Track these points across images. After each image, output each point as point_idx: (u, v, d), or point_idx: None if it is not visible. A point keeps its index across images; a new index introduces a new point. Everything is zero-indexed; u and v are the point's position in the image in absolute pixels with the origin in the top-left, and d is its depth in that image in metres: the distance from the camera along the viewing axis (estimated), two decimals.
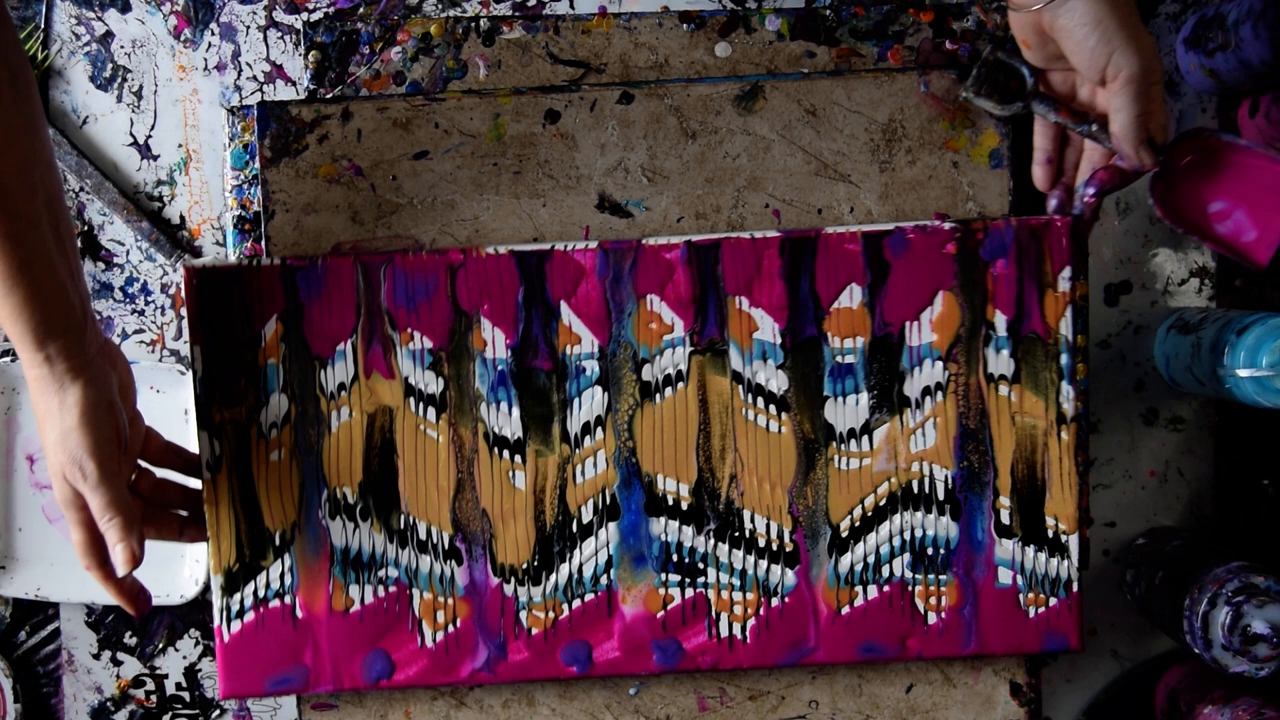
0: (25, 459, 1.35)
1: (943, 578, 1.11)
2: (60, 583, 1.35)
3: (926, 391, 1.10)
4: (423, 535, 1.10)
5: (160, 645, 1.39)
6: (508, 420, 1.09)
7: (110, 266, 1.35)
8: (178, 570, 1.35)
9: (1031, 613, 1.11)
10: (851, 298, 1.09)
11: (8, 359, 1.33)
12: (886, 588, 1.11)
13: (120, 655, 1.38)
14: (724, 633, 1.11)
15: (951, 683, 1.16)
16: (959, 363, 1.09)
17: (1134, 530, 1.36)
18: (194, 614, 1.38)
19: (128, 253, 1.35)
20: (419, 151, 1.13)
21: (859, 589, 1.11)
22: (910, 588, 1.11)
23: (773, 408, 1.09)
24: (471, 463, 1.09)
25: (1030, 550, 1.10)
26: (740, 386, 1.09)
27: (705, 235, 1.09)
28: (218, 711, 1.40)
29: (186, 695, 1.39)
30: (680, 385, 1.09)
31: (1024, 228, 1.08)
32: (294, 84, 1.33)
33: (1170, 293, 1.34)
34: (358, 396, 1.09)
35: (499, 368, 1.09)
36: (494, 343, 1.09)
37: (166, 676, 1.39)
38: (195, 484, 1.11)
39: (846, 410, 1.10)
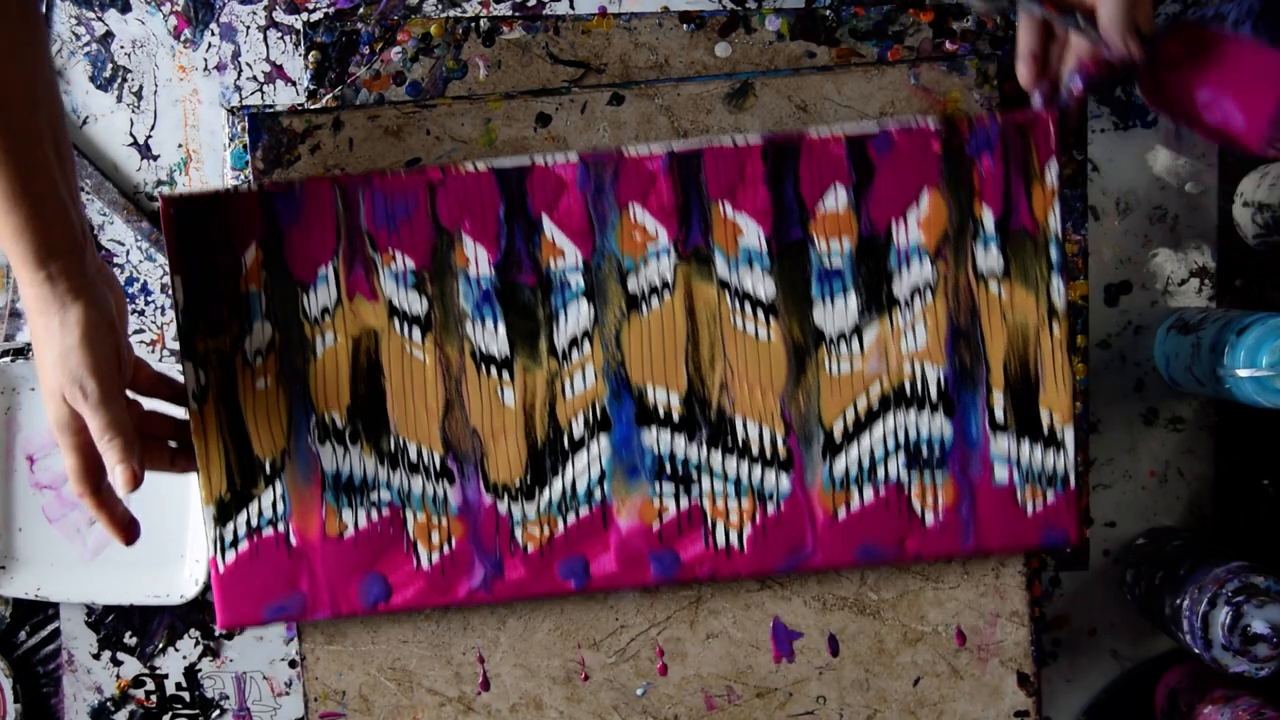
0: (25, 459, 1.35)
1: (938, 476, 1.10)
2: (60, 583, 1.35)
3: (916, 291, 1.09)
4: (413, 457, 1.09)
5: (160, 645, 1.39)
6: (494, 337, 1.08)
7: (110, 266, 1.34)
8: (178, 570, 1.34)
9: (1029, 509, 1.10)
10: (837, 200, 1.07)
11: (7, 359, 1.32)
12: (882, 489, 1.10)
13: (120, 655, 1.38)
14: (720, 542, 1.10)
15: (959, 674, 1.16)
16: (947, 261, 1.08)
17: (1134, 530, 1.36)
18: (194, 614, 1.38)
19: (128, 253, 1.34)
20: (411, 159, 1.13)
21: (854, 491, 1.10)
22: (906, 488, 1.10)
23: (761, 313, 1.08)
24: (459, 382, 1.09)
25: (1026, 445, 1.10)
26: (727, 293, 1.08)
27: (686, 144, 1.08)
28: (218, 712, 1.40)
29: (186, 695, 1.39)
30: (667, 295, 1.08)
31: (1009, 123, 1.07)
32: (294, 84, 1.32)
33: (1170, 293, 1.33)
34: (341, 320, 1.08)
35: (483, 285, 1.08)
36: (477, 260, 1.07)
37: (166, 676, 1.39)
38: (185, 414, 1.10)
39: (835, 313, 1.09)
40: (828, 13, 1.16)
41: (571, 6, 1.30)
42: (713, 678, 1.17)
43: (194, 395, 1.08)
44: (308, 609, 1.10)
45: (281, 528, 1.09)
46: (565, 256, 1.08)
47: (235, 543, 1.09)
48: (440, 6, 1.30)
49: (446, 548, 1.10)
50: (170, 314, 1.35)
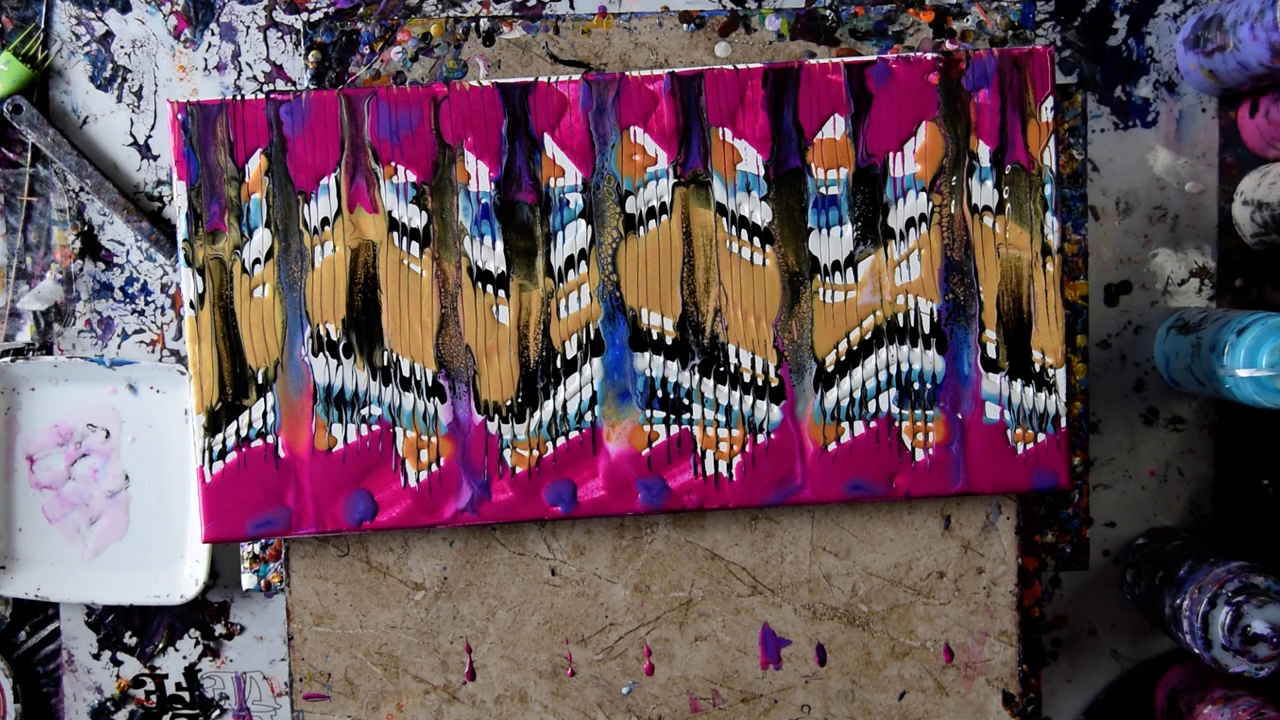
0: (25, 459, 1.36)
1: (930, 413, 1.10)
2: (60, 583, 1.35)
3: (911, 223, 1.09)
4: (406, 372, 1.09)
5: (160, 645, 1.38)
6: (491, 254, 1.09)
7: (110, 266, 1.36)
8: (178, 570, 1.35)
9: (1020, 449, 1.10)
10: (835, 128, 1.09)
11: (8, 359, 1.33)
12: (873, 423, 1.10)
13: (120, 655, 1.38)
14: (709, 470, 1.10)
15: (944, 691, 1.15)
16: (943, 194, 1.09)
17: (1134, 530, 1.36)
18: (194, 614, 1.38)
19: (128, 253, 1.36)
20: None
21: (845, 425, 1.10)
22: (897, 423, 1.10)
23: (756, 240, 1.09)
24: (455, 298, 1.09)
25: (1018, 384, 1.09)
26: (724, 219, 1.09)
27: (688, 67, 1.10)
28: (218, 712, 1.39)
29: (186, 695, 1.38)
30: (664, 218, 1.09)
31: (1006, 58, 1.08)
32: (294, 84, 1.35)
33: (1170, 293, 1.35)
34: (341, 231, 1.09)
35: (482, 201, 1.09)
36: (477, 176, 1.09)
37: (166, 676, 1.39)
38: None
39: (830, 242, 1.09)
40: (828, 13, 1.18)
41: (571, 6, 1.33)
42: (699, 680, 1.15)
43: (191, 303, 1.08)
44: (293, 524, 1.09)
45: (270, 440, 1.09)
46: (565, 176, 1.09)
47: (224, 454, 1.09)
48: (440, 6, 1.33)
49: (435, 466, 1.09)
50: (170, 314, 1.36)
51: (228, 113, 1.08)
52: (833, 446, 1.10)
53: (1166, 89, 1.34)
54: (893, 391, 1.10)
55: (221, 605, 1.39)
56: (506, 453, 1.10)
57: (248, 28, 1.35)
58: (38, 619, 1.39)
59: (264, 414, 1.09)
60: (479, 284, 1.09)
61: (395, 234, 1.09)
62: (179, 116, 1.08)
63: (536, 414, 1.09)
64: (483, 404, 1.09)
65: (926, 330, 1.09)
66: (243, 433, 1.09)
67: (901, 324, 1.09)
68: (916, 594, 1.15)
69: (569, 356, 1.09)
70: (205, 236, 1.08)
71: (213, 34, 1.36)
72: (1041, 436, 1.10)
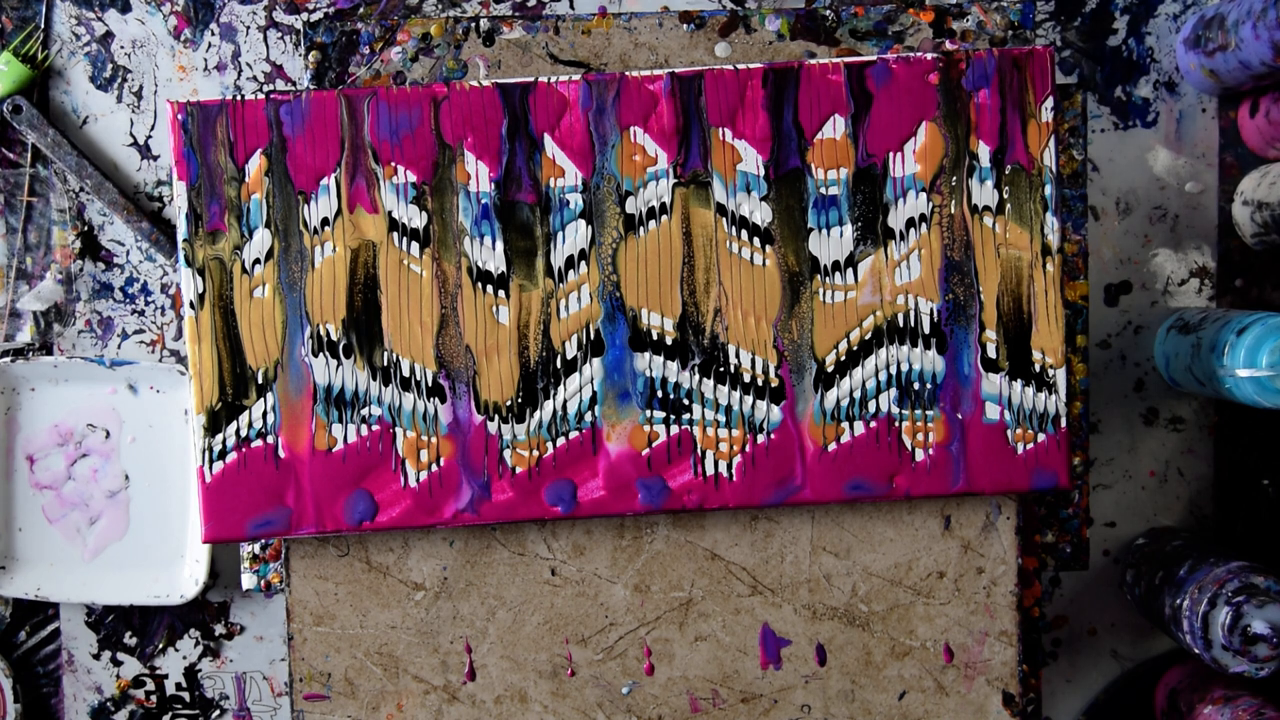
0: (25, 459, 1.36)
1: (930, 413, 1.10)
2: (60, 583, 1.36)
3: (911, 223, 1.09)
4: (406, 372, 1.09)
5: (160, 645, 1.38)
6: (491, 254, 1.09)
7: (110, 266, 1.36)
8: (178, 570, 1.35)
9: (1020, 449, 1.10)
10: (835, 128, 1.09)
11: (8, 359, 1.33)
12: (873, 423, 1.10)
13: (120, 655, 1.38)
14: (710, 470, 1.10)
15: (944, 691, 1.15)
16: (943, 194, 1.09)
17: (1134, 530, 1.36)
18: (194, 614, 1.38)
19: (128, 253, 1.36)
20: None
21: (845, 425, 1.10)
22: (897, 423, 1.10)
23: (756, 240, 1.09)
24: (455, 298, 1.09)
25: (1018, 385, 1.09)
26: (724, 219, 1.09)
27: (688, 67, 1.10)
28: (218, 712, 1.39)
29: (186, 695, 1.38)
30: (664, 218, 1.09)
31: (1006, 58, 1.08)
32: (294, 84, 1.35)
33: (1170, 293, 1.35)
34: (341, 231, 1.08)
35: (482, 201, 1.09)
36: (477, 176, 1.09)
37: (166, 676, 1.39)
38: None
39: (831, 242, 1.09)
40: (828, 13, 1.18)
41: (571, 6, 1.33)
42: (699, 680, 1.15)
43: (191, 303, 1.08)
44: (293, 524, 1.09)
45: (270, 440, 1.09)
46: (565, 176, 1.08)
47: (224, 454, 1.09)
48: (440, 6, 1.33)
49: (435, 466, 1.09)
50: (170, 314, 1.36)
51: (228, 113, 1.08)
52: (833, 446, 1.10)
53: (1166, 89, 1.35)
54: (893, 391, 1.10)
55: (221, 605, 1.39)
56: (506, 453, 1.09)
57: (248, 28, 1.35)
58: (38, 619, 1.39)
59: (264, 414, 1.09)
60: (479, 284, 1.09)
61: (395, 234, 1.09)
62: (179, 116, 1.08)
63: (536, 414, 1.09)
64: (483, 404, 1.09)
65: (926, 330, 1.09)
66: (243, 433, 1.09)
67: (901, 324, 1.09)
68: (916, 594, 1.15)
69: (569, 357, 1.09)
70: (205, 236, 1.08)
71: (213, 34, 1.36)
72: (1041, 436, 1.10)
